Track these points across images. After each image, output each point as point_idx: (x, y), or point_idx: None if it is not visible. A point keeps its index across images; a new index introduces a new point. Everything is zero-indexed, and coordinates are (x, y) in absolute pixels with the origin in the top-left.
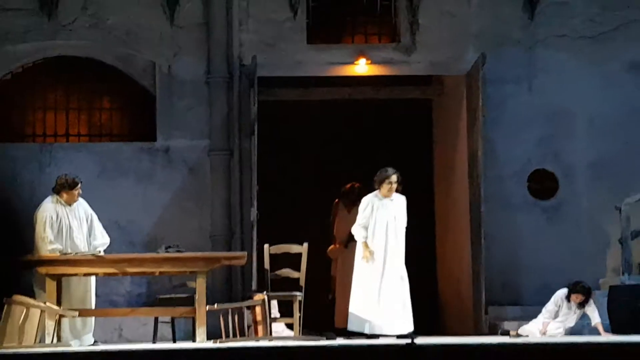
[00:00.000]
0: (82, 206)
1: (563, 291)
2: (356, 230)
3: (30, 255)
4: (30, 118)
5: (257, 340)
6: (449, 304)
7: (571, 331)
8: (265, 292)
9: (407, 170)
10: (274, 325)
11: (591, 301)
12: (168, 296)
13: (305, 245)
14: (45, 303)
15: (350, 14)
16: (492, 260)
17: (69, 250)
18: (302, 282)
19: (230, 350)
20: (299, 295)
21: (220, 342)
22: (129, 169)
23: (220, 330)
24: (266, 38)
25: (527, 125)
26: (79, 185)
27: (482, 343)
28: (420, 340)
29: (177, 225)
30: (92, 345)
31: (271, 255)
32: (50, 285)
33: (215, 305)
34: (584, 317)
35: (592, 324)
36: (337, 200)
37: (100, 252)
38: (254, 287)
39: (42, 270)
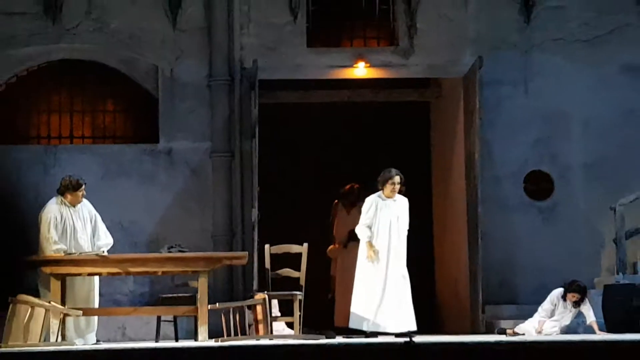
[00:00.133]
0: (86, 207)
1: (559, 290)
2: (360, 230)
3: (35, 256)
4: (34, 120)
5: (258, 339)
6: (446, 303)
7: (567, 330)
8: (266, 292)
9: (405, 171)
10: (274, 324)
11: (586, 300)
12: (170, 295)
13: (305, 245)
14: (49, 302)
15: (349, 17)
16: (489, 260)
17: (73, 251)
18: (302, 282)
19: (231, 349)
20: (299, 294)
21: (221, 340)
22: (132, 171)
23: (222, 329)
24: (267, 41)
25: (523, 127)
26: (83, 186)
27: (479, 341)
28: (418, 339)
29: (180, 225)
30: (95, 344)
31: (272, 255)
32: (55, 284)
33: (217, 304)
34: (579, 315)
35: (587, 322)
36: (336, 201)
37: (103, 252)
38: (254, 286)
39: (47, 270)
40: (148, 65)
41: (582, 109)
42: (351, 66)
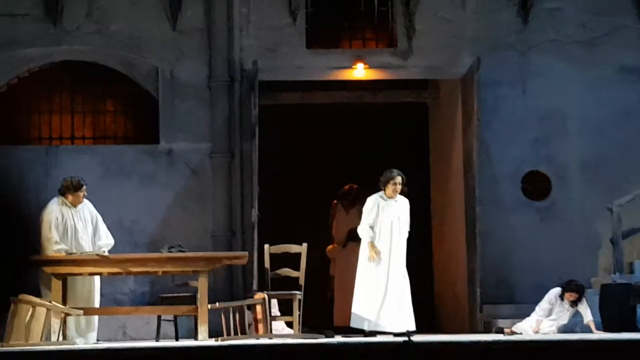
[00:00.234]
0: (87, 207)
1: (557, 290)
2: (363, 230)
3: (36, 255)
4: (36, 121)
5: (258, 338)
6: (444, 303)
7: (564, 329)
8: (265, 291)
9: (404, 172)
10: (274, 323)
11: (584, 299)
12: (171, 295)
13: (305, 245)
14: (51, 302)
15: (348, 19)
16: (486, 259)
17: (74, 251)
18: (302, 282)
19: (231, 348)
20: (299, 294)
21: (221, 339)
22: (132, 171)
23: (222, 328)
24: (266, 43)
25: (521, 128)
26: (84, 187)
27: (477, 341)
28: (417, 338)
29: (180, 225)
30: (95, 343)
31: (271, 255)
32: (56, 284)
33: (217, 303)
34: (577, 314)
35: (585, 321)
36: (335, 201)
37: (104, 252)
38: (254, 286)
39: (48, 270)
40: (148, 66)
41: (579, 110)
42: (350, 67)
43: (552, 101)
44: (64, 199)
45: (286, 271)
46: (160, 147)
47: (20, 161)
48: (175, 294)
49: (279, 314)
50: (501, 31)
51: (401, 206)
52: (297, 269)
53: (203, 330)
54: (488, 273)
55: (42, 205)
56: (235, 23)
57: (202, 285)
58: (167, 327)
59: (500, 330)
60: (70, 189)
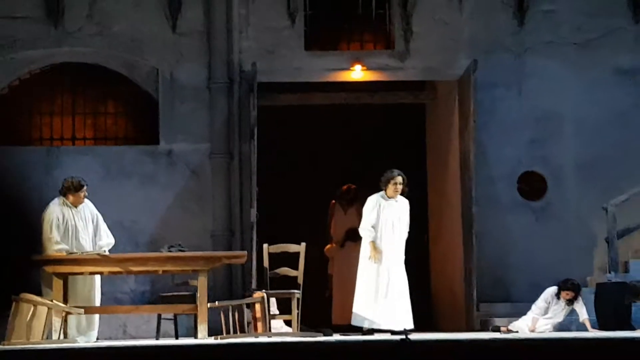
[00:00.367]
0: (88, 207)
1: (553, 289)
2: (365, 230)
3: (37, 255)
4: (37, 122)
5: (257, 337)
6: (441, 301)
7: (559, 327)
8: (264, 290)
9: (401, 172)
10: (273, 322)
11: (580, 298)
12: (171, 294)
13: (303, 244)
14: (52, 301)
15: (346, 21)
16: (483, 258)
17: (75, 250)
18: (300, 281)
19: (230, 346)
20: (297, 293)
21: (221, 338)
22: (133, 172)
23: (221, 326)
24: (265, 45)
25: (517, 129)
26: (85, 187)
27: (474, 339)
28: (414, 336)
29: (180, 225)
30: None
31: (270, 255)
32: (57, 283)
33: (216, 302)
34: (572, 313)
35: (580, 319)
36: (333, 201)
37: (105, 251)
38: (253, 285)
39: (50, 269)
40: (149, 68)
41: (574, 111)
42: (348, 69)
43: (547, 102)
44: (64, 199)
45: (285, 270)
46: (160, 148)
47: (21, 162)
48: (175, 293)
49: (277, 312)
50: (497, 33)
51: (401, 206)
52: (296, 268)
53: (203, 328)
54: (484, 272)
55: (44, 205)
56: (235, 25)
57: (201, 284)
58: (167, 326)
59: (496, 329)
60: (71, 190)
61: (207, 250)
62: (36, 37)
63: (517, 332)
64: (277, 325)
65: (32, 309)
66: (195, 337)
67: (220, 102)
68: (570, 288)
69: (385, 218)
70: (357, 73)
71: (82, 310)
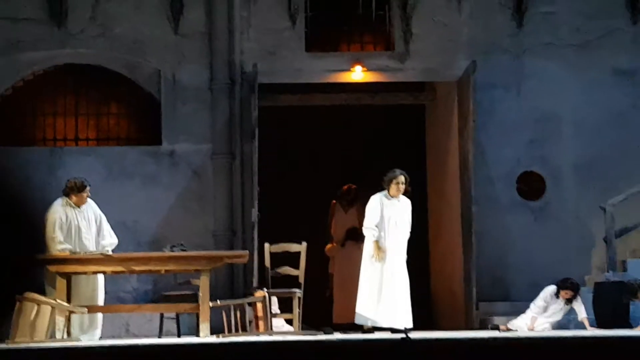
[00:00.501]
0: (91, 208)
1: (552, 288)
2: (368, 229)
3: (41, 255)
4: (40, 123)
5: (258, 335)
6: (441, 300)
7: (558, 325)
8: (265, 289)
9: None
10: (274, 320)
11: (578, 297)
12: (173, 293)
13: (304, 244)
14: (55, 300)
15: (346, 23)
16: (482, 258)
17: (78, 250)
18: (301, 280)
19: (232, 345)
20: (298, 292)
21: (223, 337)
22: (135, 172)
23: (223, 325)
24: (266, 46)
25: (515, 129)
26: (88, 188)
27: (473, 337)
28: (414, 334)
29: (182, 225)
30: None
31: (271, 254)
32: (61, 283)
33: (218, 301)
34: (571, 312)
35: (579, 318)
36: (334, 201)
37: (108, 251)
38: (255, 284)
39: (53, 268)
40: (151, 69)
41: (572, 112)
42: (348, 70)
43: (546, 103)
44: (68, 200)
45: (286, 269)
46: (163, 149)
47: (25, 162)
48: (177, 292)
49: (279, 311)
50: (496, 35)
51: (404, 206)
52: (297, 267)
53: (205, 327)
54: (484, 271)
55: (47, 205)
56: (236, 27)
57: (203, 283)
58: (170, 325)
59: (495, 327)
60: (74, 190)
61: (209, 250)
62: (39, 39)
63: (516, 330)
64: (279, 324)
65: (35, 308)
66: (198, 336)
67: (222, 103)
68: (569, 287)
69: (388, 217)
70: (358, 74)
71: (86, 309)
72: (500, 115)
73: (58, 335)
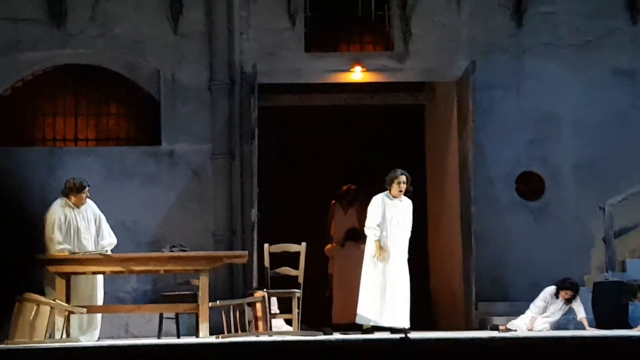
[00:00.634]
0: (90, 208)
1: (551, 288)
2: (370, 229)
3: (40, 255)
4: (40, 123)
5: (258, 336)
6: (441, 300)
7: (557, 325)
8: (265, 290)
9: None
10: (273, 321)
11: (578, 297)
12: (172, 293)
13: (304, 244)
14: (55, 300)
15: (346, 23)
16: (481, 258)
17: (77, 250)
18: (301, 280)
19: (231, 345)
20: (298, 292)
21: (222, 337)
22: (135, 172)
23: (223, 325)
24: (266, 46)
25: (515, 129)
26: (87, 188)
27: (473, 337)
28: (413, 334)
29: (181, 225)
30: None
31: (271, 254)
32: (60, 283)
33: (218, 302)
34: (570, 311)
35: (578, 318)
36: (333, 201)
37: (107, 251)
38: (254, 284)
39: (52, 269)
40: (150, 69)
41: (572, 112)
42: (348, 70)
43: (546, 103)
44: (67, 200)
45: (285, 270)
46: (162, 149)
47: (24, 162)
48: (176, 292)
49: (278, 311)
50: (496, 35)
51: (405, 206)
52: (297, 267)
53: (204, 327)
54: (483, 271)
55: (46, 205)
56: (236, 27)
57: (203, 283)
58: (169, 325)
59: (495, 327)
60: (73, 191)
61: (208, 250)
62: (39, 39)
63: (515, 330)
64: (278, 324)
65: (35, 308)
66: (197, 336)
67: (222, 103)
68: (569, 287)
69: (390, 217)
70: (357, 74)
71: (85, 309)
72: (499, 116)
73: (57, 336)
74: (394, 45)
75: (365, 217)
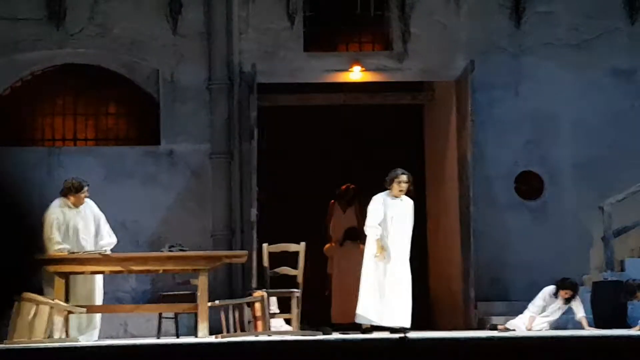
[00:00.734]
0: (89, 208)
1: (551, 287)
2: (370, 228)
3: (39, 255)
4: (39, 123)
5: (257, 335)
6: (440, 300)
7: (556, 325)
8: (264, 289)
9: None
10: (273, 320)
11: (577, 296)
12: (171, 293)
13: (303, 244)
14: (53, 300)
15: (345, 23)
16: (480, 258)
17: (76, 250)
18: (300, 280)
19: (231, 345)
20: (297, 292)
21: (221, 337)
22: (134, 172)
23: (222, 325)
24: (265, 46)
25: (514, 129)
26: (85, 188)
27: (472, 337)
28: (412, 334)
29: (180, 225)
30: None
31: (270, 254)
32: (59, 283)
33: (217, 301)
34: (569, 311)
35: (577, 317)
36: (332, 201)
37: (106, 251)
38: (253, 284)
39: (51, 268)
40: (149, 69)
41: (571, 111)
42: (347, 70)
43: (544, 103)
44: (66, 200)
45: (285, 269)
46: (161, 149)
47: (23, 162)
48: (175, 292)
49: (277, 311)
50: (494, 34)
51: (406, 206)
52: (296, 267)
53: (203, 327)
54: (482, 271)
55: (45, 205)
56: (234, 27)
57: (202, 283)
58: (168, 325)
59: (494, 327)
60: (71, 191)
61: (207, 250)
62: (38, 39)
63: (514, 330)
64: (277, 324)
65: (34, 308)
66: (196, 336)
67: (221, 103)
68: (568, 287)
69: (391, 217)
70: (356, 74)
71: (84, 309)
72: (498, 115)
73: (56, 336)
74: (392, 45)
75: (364, 216)
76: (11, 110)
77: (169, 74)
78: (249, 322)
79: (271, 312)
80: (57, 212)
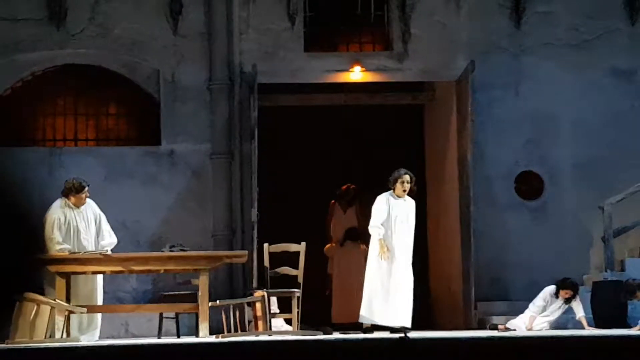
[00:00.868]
0: (90, 208)
1: (551, 288)
2: (374, 228)
3: (40, 255)
4: (40, 123)
5: (258, 335)
6: (440, 300)
7: (556, 325)
8: (265, 289)
9: None
10: (273, 320)
11: (577, 296)
12: (172, 293)
13: (303, 244)
14: (55, 300)
15: (345, 23)
16: (481, 257)
17: (77, 250)
18: (300, 280)
19: (231, 345)
20: (297, 292)
21: (222, 336)
22: (134, 172)
23: (222, 325)
24: (265, 47)
25: (514, 129)
26: (86, 188)
27: (472, 337)
28: (413, 334)
29: (181, 225)
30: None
31: (270, 254)
32: (60, 283)
33: (218, 301)
34: (569, 311)
35: (577, 317)
36: (333, 201)
37: (107, 251)
38: (254, 284)
39: (52, 268)
40: (150, 69)
41: (571, 112)
42: (347, 70)
43: (544, 103)
44: (66, 201)
45: (285, 269)
46: (162, 149)
47: (24, 162)
48: (176, 292)
49: (278, 311)
50: (495, 35)
51: (409, 206)
52: (296, 267)
53: (204, 327)
54: (482, 271)
55: (46, 205)
56: (235, 27)
57: (203, 283)
58: (169, 325)
59: (494, 327)
60: (72, 191)
61: (208, 250)
62: (39, 39)
63: (514, 330)
64: (278, 323)
65: (35, 308)
66: (197, 335)
67: (221, 103)
68: (568, 287)
69: (395, 217)
70: (356, 74)
71: (85, 309)
72: (498, 115)
73: (57, 335)
74: (393, 45)
75: (364, 217)
76: (12, 110)
77: (169, 74)
78: (250, 322)
79: (272, 312)
80: (58, 213)
